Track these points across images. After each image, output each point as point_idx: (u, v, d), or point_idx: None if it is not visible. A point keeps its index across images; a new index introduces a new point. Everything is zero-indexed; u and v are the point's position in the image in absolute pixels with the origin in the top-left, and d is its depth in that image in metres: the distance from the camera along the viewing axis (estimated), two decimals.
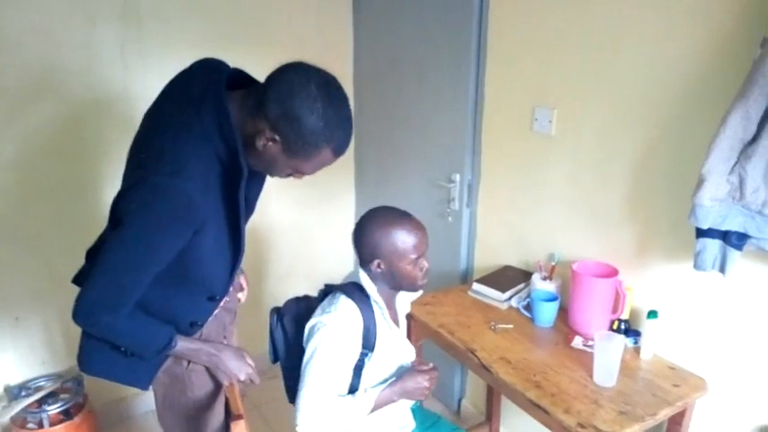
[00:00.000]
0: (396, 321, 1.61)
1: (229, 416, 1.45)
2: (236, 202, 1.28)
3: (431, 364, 1.56)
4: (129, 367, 1.39)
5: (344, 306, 1.48)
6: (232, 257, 1.39)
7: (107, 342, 1.33)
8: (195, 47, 2.39)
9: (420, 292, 1.66)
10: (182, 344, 1.37)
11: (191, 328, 1.43)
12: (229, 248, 1.37)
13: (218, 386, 1.53)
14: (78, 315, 1.26)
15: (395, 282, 1.53)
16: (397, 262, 1.49)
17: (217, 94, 1.20)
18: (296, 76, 1.16)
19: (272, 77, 1.18)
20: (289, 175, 1.30)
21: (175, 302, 1.37)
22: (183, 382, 1.47)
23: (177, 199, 1.16)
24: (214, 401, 1.53)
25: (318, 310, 1.51)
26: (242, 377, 1.48)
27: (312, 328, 1.48)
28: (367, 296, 1.51)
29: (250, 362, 1.51)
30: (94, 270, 1.23)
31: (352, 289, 1.52)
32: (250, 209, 1.46)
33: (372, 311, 1.50)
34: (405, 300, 1.68)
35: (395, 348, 1.57)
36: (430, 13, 2.35)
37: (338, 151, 1.23)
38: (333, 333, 1.45)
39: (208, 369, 1.49)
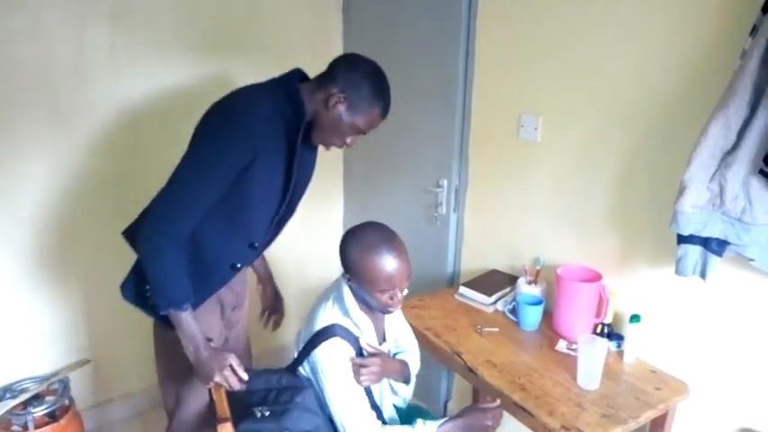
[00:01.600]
0: (383, 335, 1.62)
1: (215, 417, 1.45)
2: (294, 151, 1.52)
3: (497, 401, 1.52)
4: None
5: (331, 344, 1.48)
6: (275, 209, 1.59)
7: (142, 275, 1.49)
8: (185, 50, 2.42)
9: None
10: (187, 316, 1.44)
11: (231, 270, 1.60)
12: (275, 199, 1.58)
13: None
14: (142, 230, 1.44)
15: (365, 301, 1.50)
16: (366, 286, 1.45)
17: (285, 74, 1.58)
18: (355, 59, 1.58)
19: (336, 61, 1.57)
20: (342, 144, 1.58)
21: (222, 243, 1.55)
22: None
23: (241, 122, 1.44)
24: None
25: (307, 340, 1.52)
26: (216, 378, 1.44)
27: (314, 364, 1.48)
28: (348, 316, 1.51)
29: (233, 367, 1.46)
30: (164, 189, 1.46)
31: (331, 327, 1.49)
32: (303, 181, 1.69)
33: (355, 335, 1.51)
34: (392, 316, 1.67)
35: None
36: (418, 21, 2.38)
37: (384, 113, 1.57)
38: (331, 360, 1.46)
39: (209, 323, 1.61)
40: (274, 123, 1.49)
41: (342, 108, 1.51)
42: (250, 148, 1.44)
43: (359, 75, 1.52)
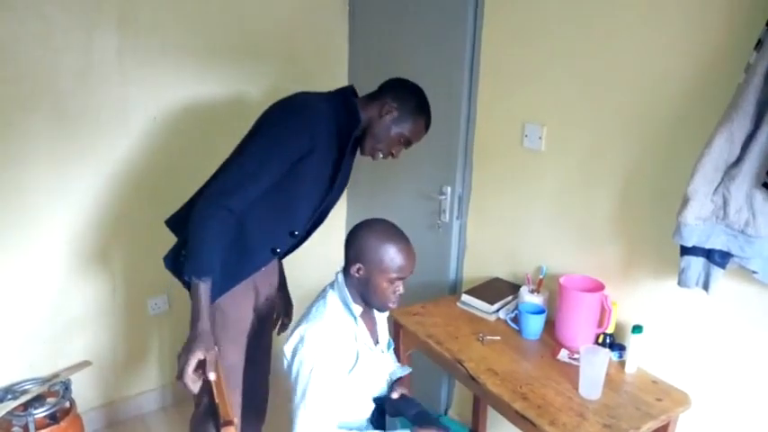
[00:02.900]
0: (374, 337, 1.64)
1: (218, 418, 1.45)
2: (343, 153, 1.70)
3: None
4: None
5: (328, 317, 1.52)
6: (317, 203, 1.75)
7: (186, 240, 1.58)
8: (191, 56, 2.44)
9: (387, 313, 1.69)
10: (205, 288, 1.53)
11: (272, 254, 1.74)
12: (319, 194, 1.74)
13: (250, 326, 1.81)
14: (200, 201, 1.56)
15: (367, 294, 1.55)
16: (377, 274, 1.50)
17: (340, 88, 1.79)
18: (404, 80, 1.81)
19: (387, 82, 1.80)
20: (388, 154, 1.79)
21: (267, 227, 1.69)
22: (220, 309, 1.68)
23: (304, 116, 1.62)
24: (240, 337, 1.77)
25: (302, 324, 1.54)
26: (199, 354, 1.45)
27: (296, 345, 1.50)
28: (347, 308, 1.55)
29: (213, 359, 1.48)
30: (226, 167, 1.64)
31: (335, 302, 1.55)
32: (341, 186, 1.85)
33: (350, 326, 1.54)
34: (382, 319, 1.71)
35: (374, 364, 1.60)
36: (424, 28, 2.39)
37: (427, 125, 1.80)
38: (317, 347, 1.47)
39: (242, 307, 1.76)
40: (330, 125, 1.67)
41: (393, 116, 1.73)
42: (309, 141, 1.62)
43: (408, 91, 1.77)
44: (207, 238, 1.54)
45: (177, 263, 1.68)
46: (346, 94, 1.76)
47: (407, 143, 1.79)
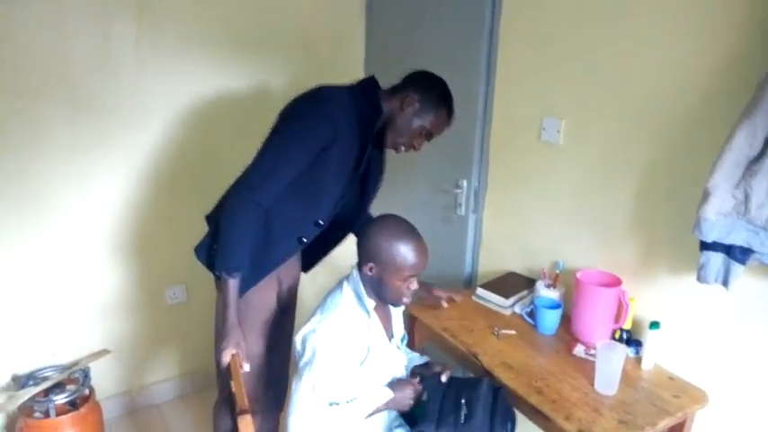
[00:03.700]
0: (389, 332, 1.65)
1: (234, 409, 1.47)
2: (366, 145, 1.71)
3: (437, 367, 1.64)
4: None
5: (342, 310, 1.53)
6: (340, 194, 1.76)
7: (216, 238, 1.65)
8: (209, 45, 2.45)
9: (402, 308, 1.70)
10: (234, 283, 1.60)
11: (298, 243, 1.76)
12: (342, 185, 1.75)
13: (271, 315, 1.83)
14: (230, 197, 1.62)
15: (380, 291, 1.55)
16: (390, 273, 1.51)
17: (362, 80, 1.78)
18: (427, 73, 1.80)
19: (410, 74, 1.79)
20: (410, 146, 1.79)
21: (293, 217, 1.71)
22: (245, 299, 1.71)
23: (326, 107, 1.64)
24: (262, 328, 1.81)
25: (316, 314, 1.56)
26: (231, 348, 1.58)
27: (306, 334, 1.52)
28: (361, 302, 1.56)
29: (241, 352, 1.60)
30: (253, 162, 1.66)
31: (349, 294, 1.57)
32: (374, 180, 1.93)
33: (364, 319, 1.55)
34: (398, 313, 1.72)
35: (386, 358, 1.61)
36: (441, 23, 2.38)
37: (449, 117, 1.79)
38: (328, 340, 1.49)
39: (267, 297, 1.80)
40: (352, 116, 1.68)
41: (415, 108, 1.73)
42: (332, 131, 1.63)
43: (431, 83, 1.76)
44: (238, 235, 1.59)
45: (210, 257, 1.73)
46: (368, 85, 1.76)
47: (429, 136, 1.79)
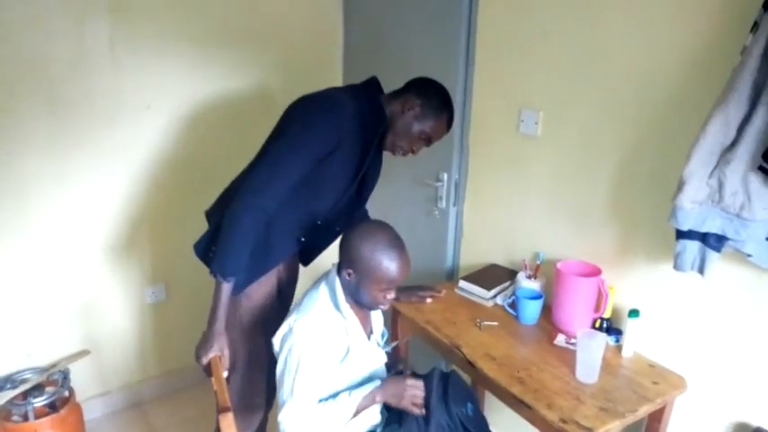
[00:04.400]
0: (367, 330, 1.64)
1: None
2: (368, 150, 1.75)
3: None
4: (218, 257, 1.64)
5: (317, 309, 1.52)
6: (339, 197, 1.80)
7: (215, 237, 1.64)
8: (184, 42, 2.42)
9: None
10: (227, 288, 1.59)
11: (297, 242, 1.81)
12: (342, 188, 1.79)
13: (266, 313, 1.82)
14: (234, 200, 1.59)
15: (357, 296, 1.54)
16: (369, 282, 1.50)
17: (364, 82, 1.82)
18: (428, 79, 1.83)
19: (412, 80, 1.83)
20: (408, 150, 1.82)
21: (294, 217, 1.73)
22: (246, 294, 1.74)
23: (330, 113, 1.66)
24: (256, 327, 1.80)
25: (292, 314, 1.55)
26: (214, 351, 1.58)
27: (285, 334, 1.52)
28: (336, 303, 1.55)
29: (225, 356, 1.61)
30: (256, 165, 1.69)
31: (325, 295, 1.56)
32: (371, 181, 1.93)
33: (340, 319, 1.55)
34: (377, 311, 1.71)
35: (365, 356, 1.60)
36: (418, 15, 2.37)
37: (449, 123, 1.83)
38: (305, 338, 1.48)
39: (266, 292, 1.80)
40: (355, 123, 1.70)
41: (416, 113, 1.76)
42: (336, 137, 1.66)
43: (432, 89, 1.80)
44: (238, 240, 1.58)
45: (207, 255, 1.72)
46: (371, 88, 1.79)
47: (428, 140, 1.82)
